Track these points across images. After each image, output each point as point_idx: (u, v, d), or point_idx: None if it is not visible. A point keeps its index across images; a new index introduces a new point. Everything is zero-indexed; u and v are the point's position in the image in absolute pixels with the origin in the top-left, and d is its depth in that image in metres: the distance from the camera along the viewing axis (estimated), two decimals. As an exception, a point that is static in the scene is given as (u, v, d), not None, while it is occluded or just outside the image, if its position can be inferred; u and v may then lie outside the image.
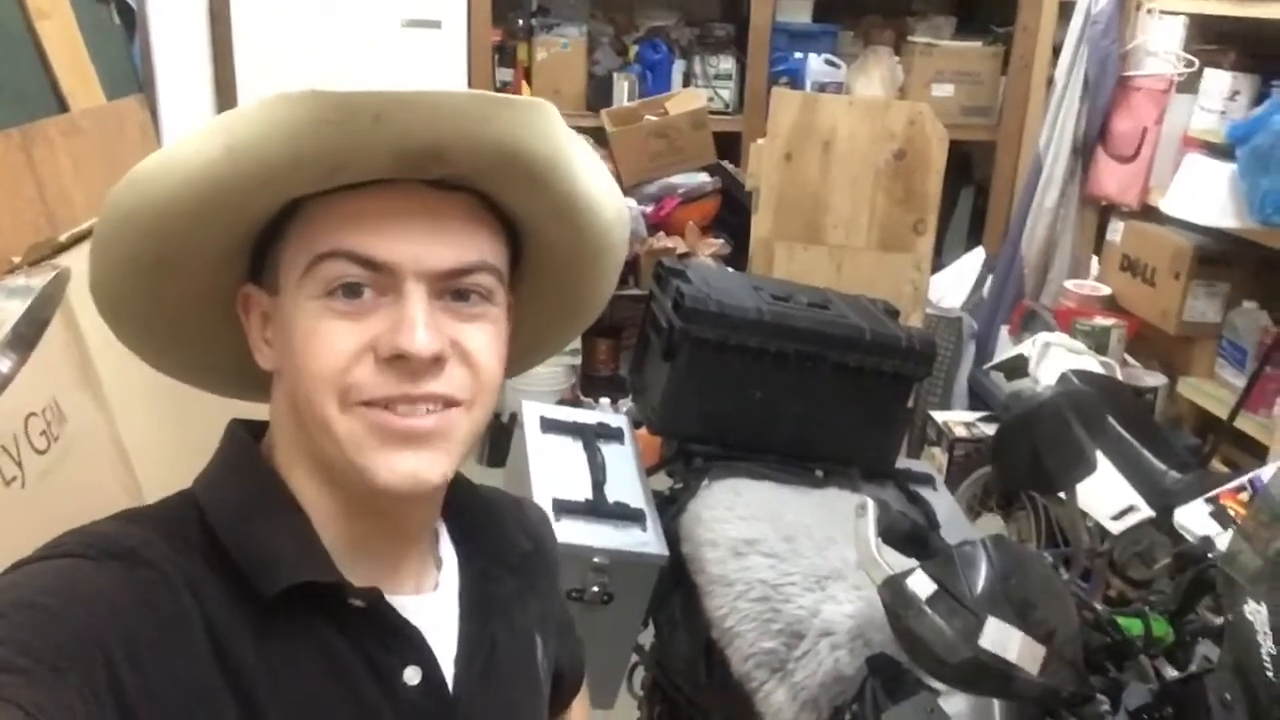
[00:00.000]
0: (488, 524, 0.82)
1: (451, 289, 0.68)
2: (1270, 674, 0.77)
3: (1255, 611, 0.78)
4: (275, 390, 0.72)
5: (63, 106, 2.10)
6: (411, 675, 0.70)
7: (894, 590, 0.90)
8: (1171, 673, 1.00)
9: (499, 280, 0.70)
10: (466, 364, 0.68)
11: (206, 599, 0.64)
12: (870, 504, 0.98)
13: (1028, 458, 1.05)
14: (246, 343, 0.73)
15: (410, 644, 0.71)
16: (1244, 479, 1.91)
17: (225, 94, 3.44)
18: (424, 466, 0.67)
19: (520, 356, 0.81)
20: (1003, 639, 0.84)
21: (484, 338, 0.69)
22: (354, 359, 0.65)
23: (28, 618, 0.58)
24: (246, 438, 0.74)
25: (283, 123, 0.60)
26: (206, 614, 0.63)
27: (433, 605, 0.75)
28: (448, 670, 0.73)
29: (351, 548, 0.71)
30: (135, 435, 1.69)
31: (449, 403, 0.68)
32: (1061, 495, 1.15)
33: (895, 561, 0.95)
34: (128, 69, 2.57)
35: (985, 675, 0.85)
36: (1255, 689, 0.79)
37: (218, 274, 0.70)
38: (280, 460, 0.72)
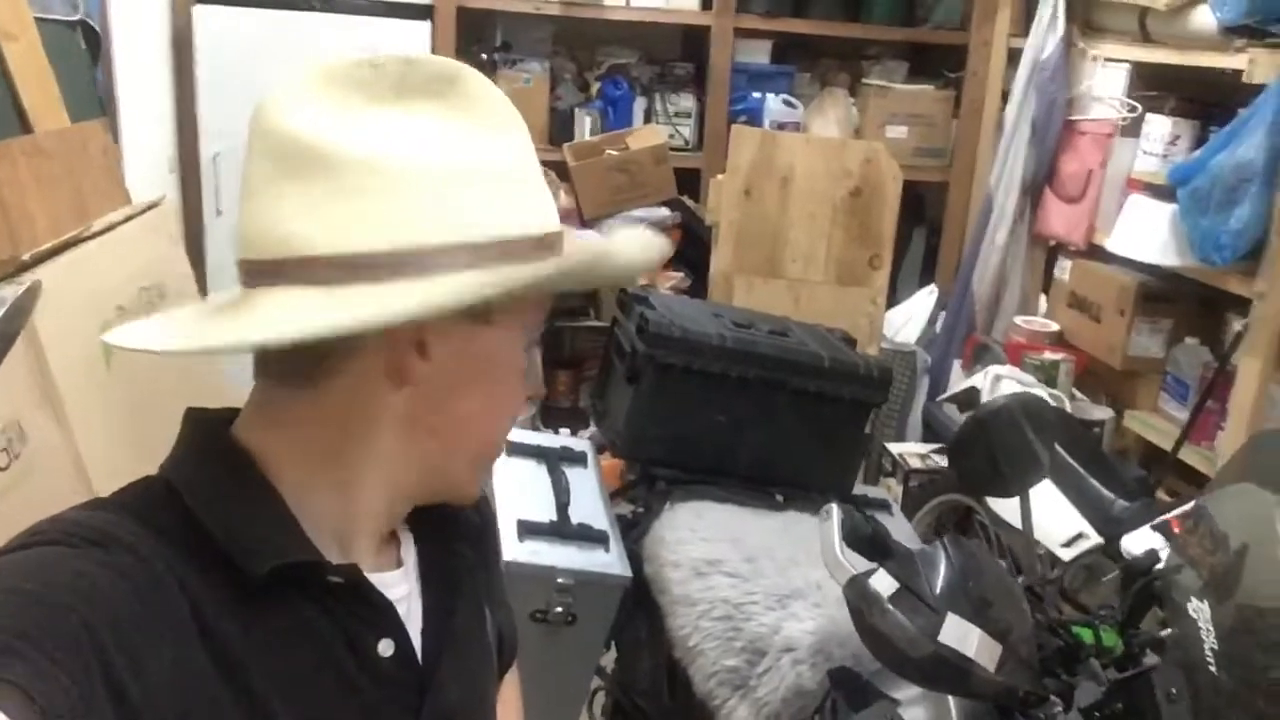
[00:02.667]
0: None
1: None
2: (1213, 668, 0.81)
3: (1198, 609, 0.82)
4: (343, 407, 0.71)
5: (26, 128, 2.10)
6: (385, 647, 0.73)
7: (858, 589, 0.93)
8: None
9: None
10: None
11: (187, 580, 0.65)
12: (835, 508, 1.02)
13: (984, 460, 1.10)
14: None
15: (384, 617, 0.74)
16: (1189, 505, 1.96)
17: (186, 119, 3.44)
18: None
19: None
20: (962, 635, 0.87)
21: None
22: None
23: (15, 603, 0.58)
24: (211, 420, 0.74)
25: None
26: (189, 595, 0.64)
27: (397, 580, 0.78)
28: (415, 642, 0.76)
29: (325, 529, 0.72)
30: (96, 454, 1.68)
31: None
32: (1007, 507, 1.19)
33: (858, 564, 0.99)
34: (91, 92, 2.57)
35: (945, 670, 0.88)
36: (1199, 683, 0.83)
37: None
38: (263, 446, 0.71)
